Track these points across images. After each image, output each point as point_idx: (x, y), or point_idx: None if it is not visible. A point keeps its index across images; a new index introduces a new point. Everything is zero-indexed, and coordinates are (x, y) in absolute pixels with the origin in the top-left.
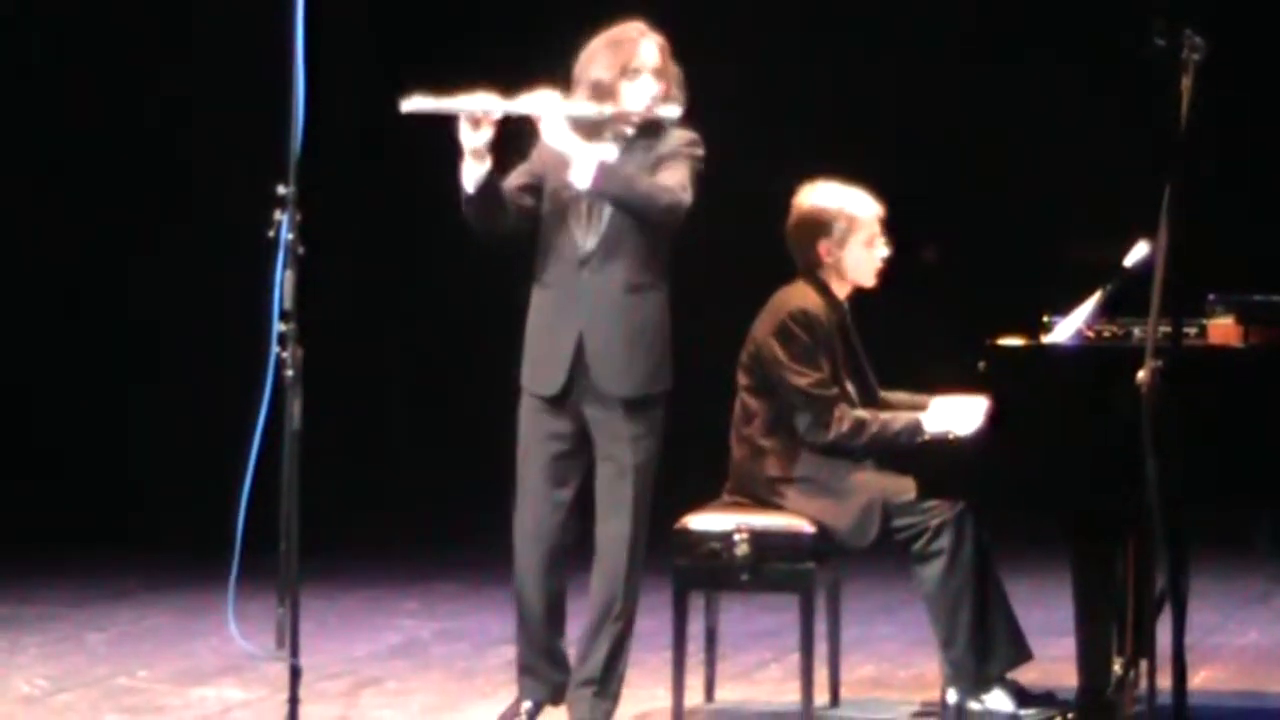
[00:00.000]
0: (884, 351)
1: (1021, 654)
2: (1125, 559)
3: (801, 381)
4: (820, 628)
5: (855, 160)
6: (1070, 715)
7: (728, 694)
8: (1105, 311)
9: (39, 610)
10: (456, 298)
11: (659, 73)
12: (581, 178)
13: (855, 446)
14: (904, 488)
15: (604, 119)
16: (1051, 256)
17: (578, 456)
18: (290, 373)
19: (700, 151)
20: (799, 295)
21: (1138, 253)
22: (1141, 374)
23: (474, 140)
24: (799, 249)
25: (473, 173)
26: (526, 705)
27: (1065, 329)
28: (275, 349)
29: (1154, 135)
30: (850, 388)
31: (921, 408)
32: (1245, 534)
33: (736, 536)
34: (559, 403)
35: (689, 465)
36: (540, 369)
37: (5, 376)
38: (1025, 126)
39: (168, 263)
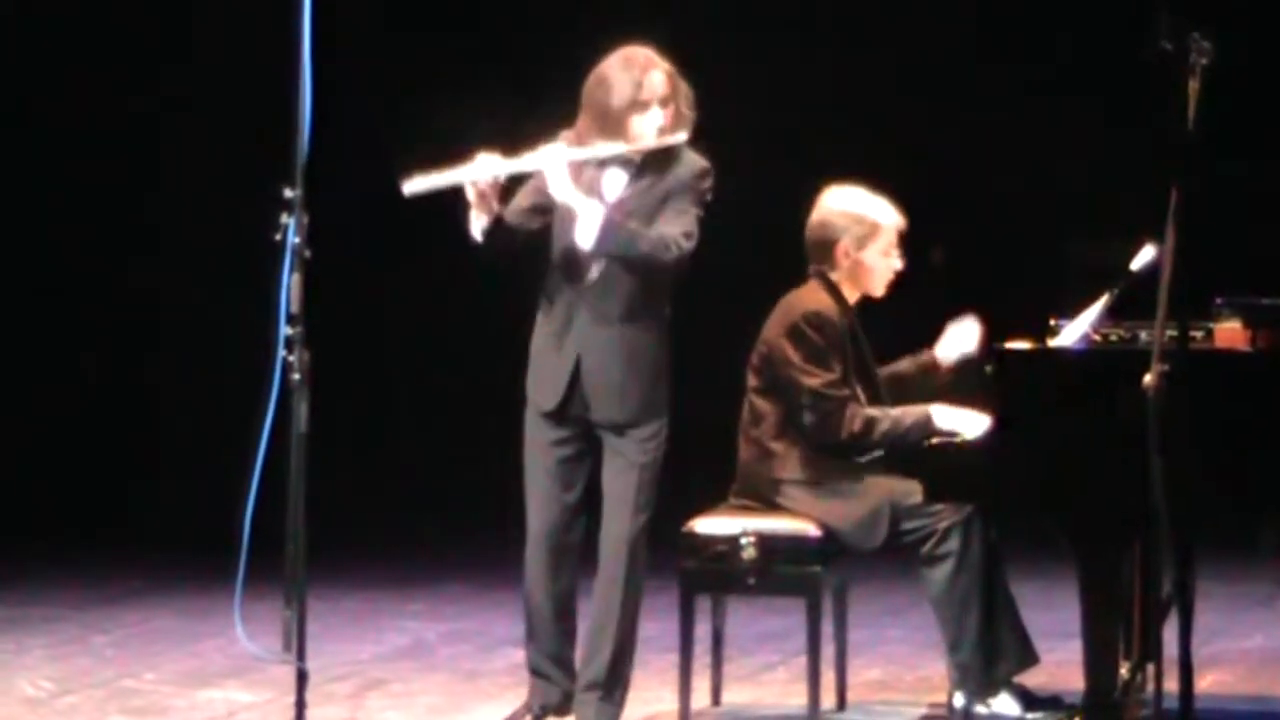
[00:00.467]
0: (889, 354)
1: (1029, 657)
2: (1132, 562)
3: (814, 382)
4: (827, 631)
5: (862, 163)
6: (1077, 719)
7: (734, 697)
8: (1112, 315)
9: (45, 612)
10: (463, 300)
11: (666, 101)
12: (586, 238)
13: (868, 444)
14: (912, 490)
15: (601, 159)
16: (1058, 260)
17: (583, 459)
18: (297, 376)
19: (708, 184)
20: (811, 297)
21: (1144, 256)
22: (1148, 377)
23: (479, 200)
24: (816, 248)
25: (479, 224)
26: (534, 709)
27: (1072, 332)
28: (282, 352)
29: (1160, 139)
30: (859, 390)
31: (927, 365)
32: (1252, 537)
33: (743, 539)
34: (559, 415)
35: (695, 468)
36: (542, 385)
37: (12, 376)
38: (1031, 129)
39: (175, 264)
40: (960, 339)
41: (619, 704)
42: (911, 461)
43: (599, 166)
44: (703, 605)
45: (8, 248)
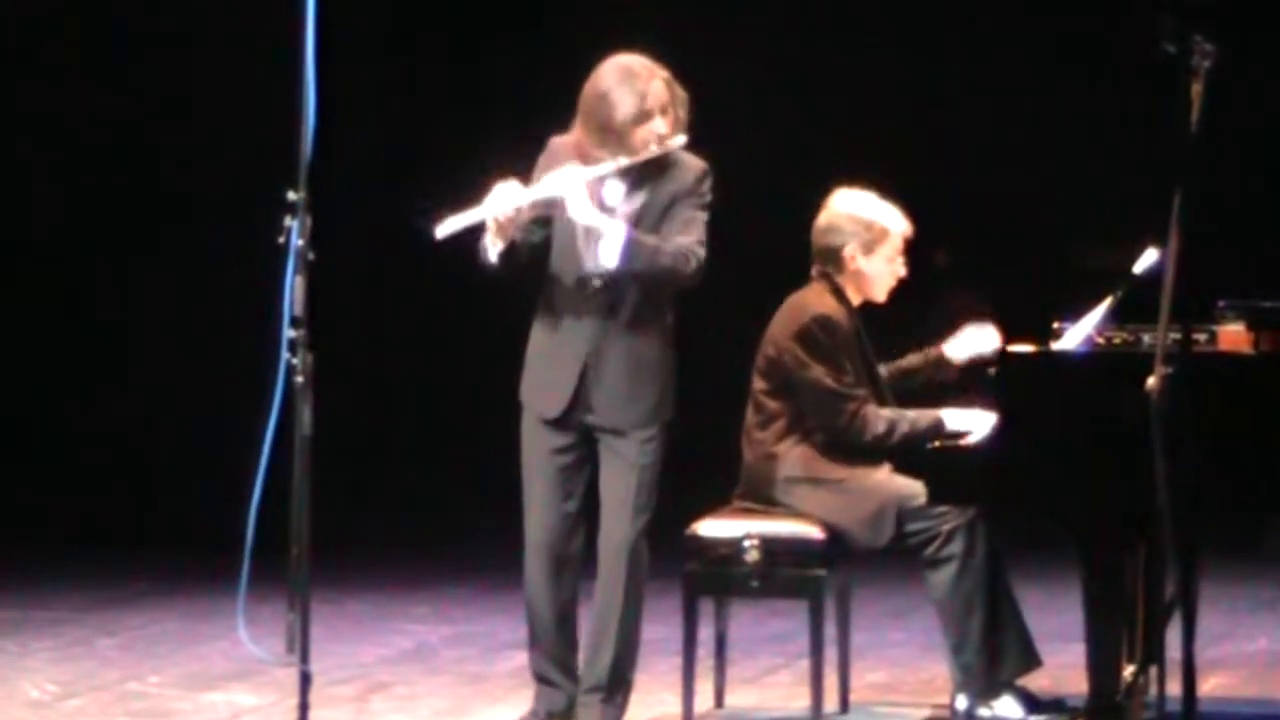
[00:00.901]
0: (894, 355)
1: (1031, 660)
2: (1135, 565)
3: (832, 382)
4: (830, 633)
5: (865, 165)
6: None
7: (737, 700)
8: (1115, 318)
9: (49, 615)
10: (468, 303)
11: (666, 109)
12: (609, 256)
13: (888, 445)
14: (916, 491)
15: (616, 171)
16: (1061, 263)
17: (582, 466)
18: (300, 378)
19: (708, 185)
20: (817, 299)
21: (1147, 259)
22: (1151, 380)
23: (498, 235)
24: (822, 251)
25: (496, 248)
26: (539, 714)
27: (1075, 335)
28: (285, 354)
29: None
30: (868, 392)
31: (935, 361)
32: (1255, 540)
33: (746, 542)
34: (560, 422)
35: (698, 471)
36: (542, 393)
37: (16, 379)
38: (1035, 132)
39: (179, 266)
40: (976, 341)
41: (621, 706)
42: (915, 463)
43: (599, 179)
44: (706, 608)
45: (12, 250)
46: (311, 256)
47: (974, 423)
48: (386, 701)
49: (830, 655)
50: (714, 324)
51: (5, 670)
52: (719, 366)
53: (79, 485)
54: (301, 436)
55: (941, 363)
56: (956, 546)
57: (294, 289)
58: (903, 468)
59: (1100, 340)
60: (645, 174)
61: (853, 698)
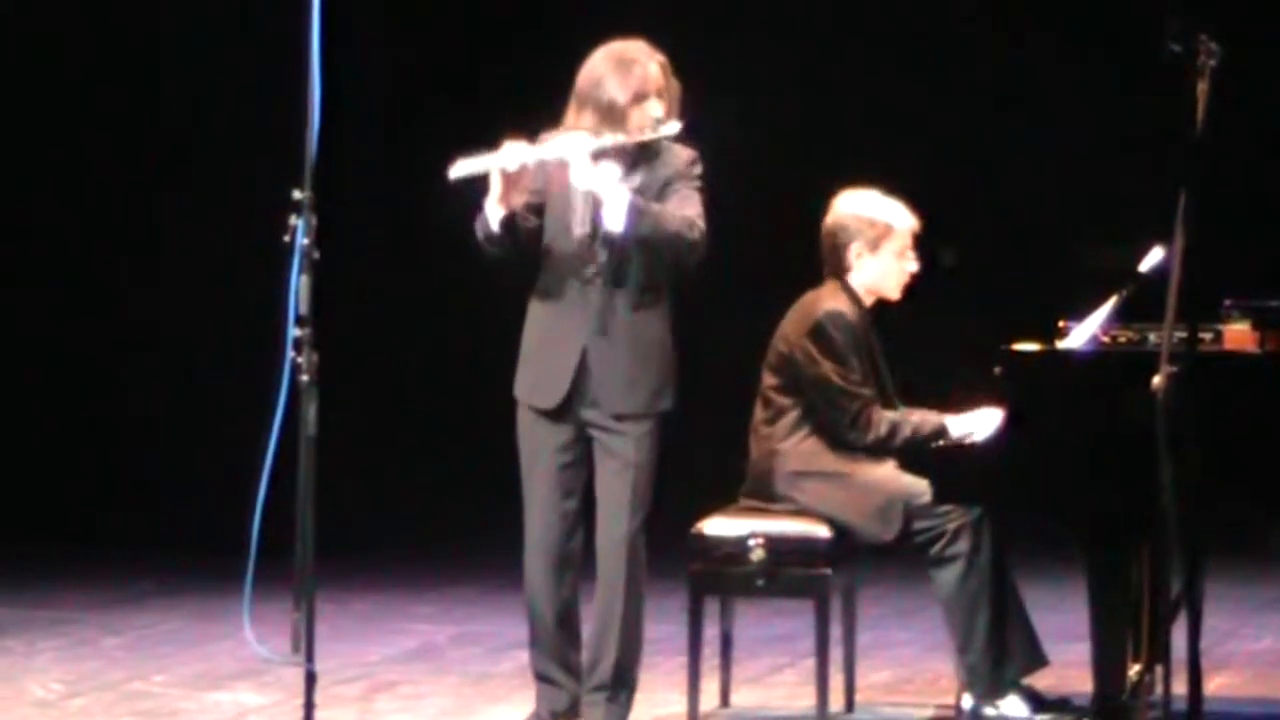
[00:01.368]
0: (900, 356)
1: (1037, 659)
2: (1140, 564)
3: (839, 380)
4: (835, 633)
5: (871, 165)
6: None
7: (743, 699)
8: (1121, 317)
9: (55, 614)
10: (473, 301)
11: (662, 93)
12: (614, 220)
13: (891, 448)
14: (923, 489)
15: (618, 147)
16: (1067, 261)
17: (582, 464)
18: (305, 377)
19: (699, 169)
20: (830, 297)
21: (1153, 258)
22: (1157, 379)
23: (502, 188)
24: (831, 251)
25: (498, 214)
26: (542, 715)
27: (1081, 334)
28: (291, 354)
29: (1170, 140)
30: (874, 393)
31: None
32: (1261, 539)
33: (751, 541)
34: (558, 414)
35: (703, 469)
36: (540, 382)
37: (22, 379)
38: (1041, 130)
39: (184, 265)
40: (981, 424)
41: (626, 705)
42: (920, 462)
43: (601, 150)
44: (711, 607)
45: (17, 250)
46: (316, 255)
47: (979, 427)
48: (391, 701)
49: (835, 655)
50: (721, 322)
51: (11, 669)
52: (726, 365)
53: (83, 485)
54: (306, 436)
55: (941, 432)
56: (962, 545)
57: (299, 288)
58: (908, 466)
59: (1106, 339)
60: (639, 158)
61: (858, 697)
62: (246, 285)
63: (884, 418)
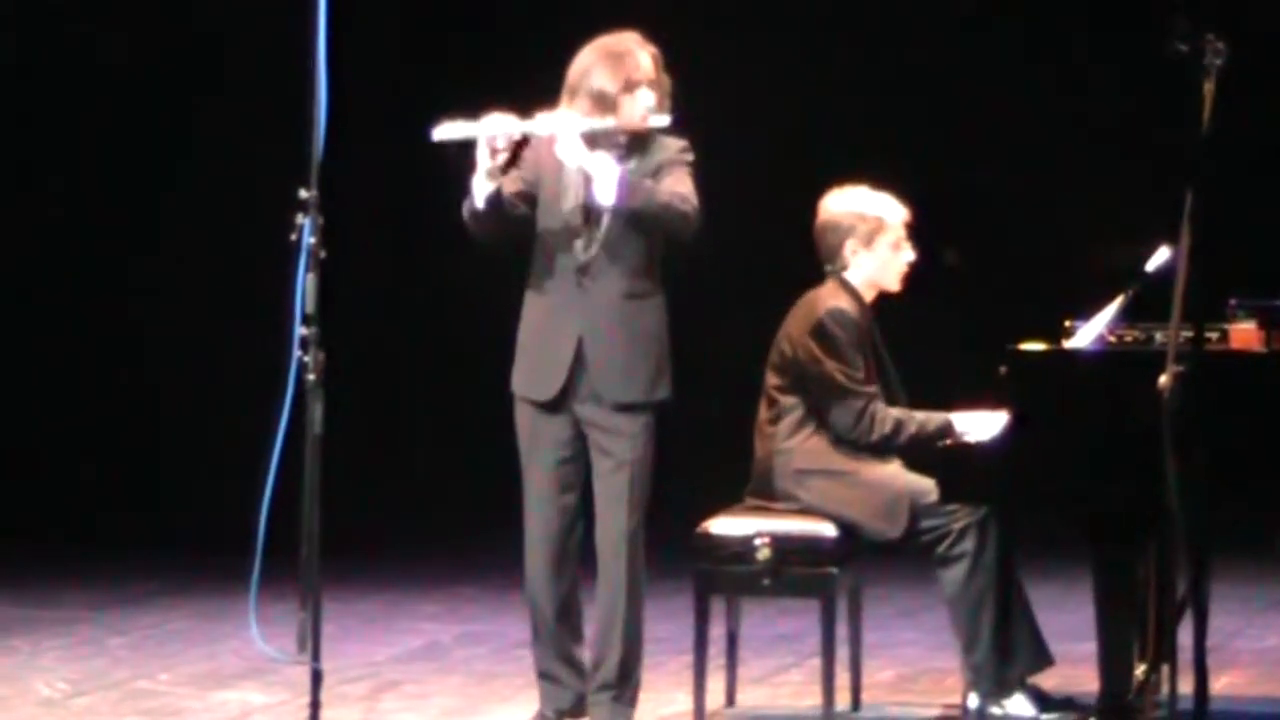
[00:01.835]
0: (905, 355)
1: (1043, 659)
2: (1147, 564)
3: (843, 378)
4: (841, 632)
5: (876, 164)
6: None
7: (748, 698)
8: (1127, 316)
9: (60, 614)
10: (479, 301)
11: (654, 84)
12: (605, 194)
13: (895, 445)
14: (929, 488)
15: (609, 131)
16: (1073, 261)
17: (580, 460)
18: (312, 376)
19: (692, 156)
20: (831, 296)
21: (1159, 257)
22: (1163, 379)
23: (490, 161)
24: (826, 251)
25: (484, 189)
26: (547, 714)
27: (1087, 334)
28: (297, 353)
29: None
30: (877, 390)
31: (941, 426)
32: (1267, 538)
33: (758, 541)
34: (555, 407)
35: (709, 469)
36: (536, 374)
37: (28, 378)
38: (1047, 130)
39: (190, 264)
40: (984, 426)
41: (632, 702)
42: (926, 461)
43: (591, 132)
44: (717, 607)
45: (25, 249)
46: (323, 254)
47: (983, 426)
48: (397, 700)
49: (841, 654)
50: (725, 321)
51: (17, 669)
52: (731, 364)
53: (88, 485)
54: (312, 435)
55: (946, 428)
56: (968, 544)
57: (306, 287)
58: (914, 465)
59: (1112, 339)
60: (631, 148)
61: (864, 696)
62: (253, 284)
63: (889, 415)
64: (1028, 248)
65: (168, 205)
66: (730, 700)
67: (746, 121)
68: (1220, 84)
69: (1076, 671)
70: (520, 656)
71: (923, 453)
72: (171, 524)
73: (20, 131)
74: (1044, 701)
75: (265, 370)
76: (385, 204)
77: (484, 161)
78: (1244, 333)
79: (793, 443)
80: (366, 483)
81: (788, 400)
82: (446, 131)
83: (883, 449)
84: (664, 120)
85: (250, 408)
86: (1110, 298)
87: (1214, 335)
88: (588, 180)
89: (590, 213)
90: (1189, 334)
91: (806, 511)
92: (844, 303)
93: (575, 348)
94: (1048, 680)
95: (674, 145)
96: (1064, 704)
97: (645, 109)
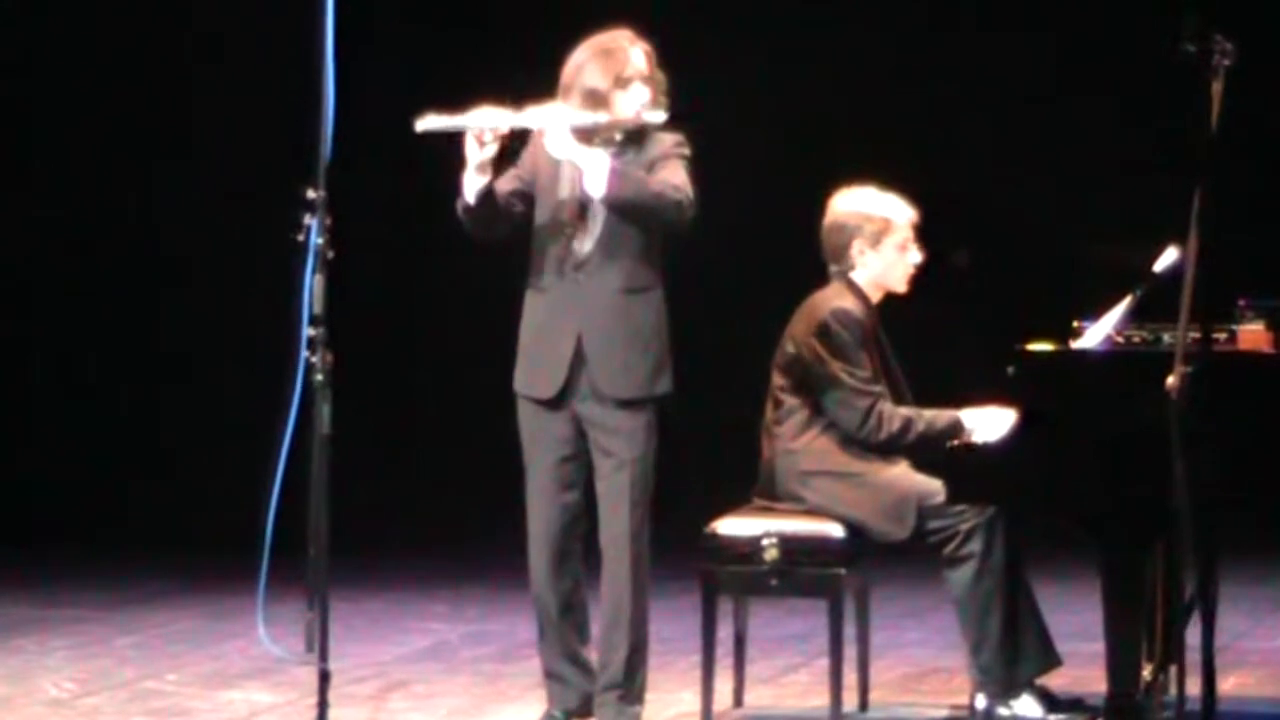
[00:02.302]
0: (913, 356)
1: (1051, 659)
2: (1154, 564)
3: (849, 379)
4: (849, 632)
5: (884, 166)
6: None
7: (756, 698)
8: (1135, 317)
9: (67, 614)
10: (486, 301)
11: (647, 80)
12: (595, 186)
13: (904, 444)
14: (936, 489)
15: (600, 127)
16: (1081, 262)
17: (582, 458)
18: (319, 377)
19: (688, 151)
20: (836, 296)
21: (1167, 258)
22: (1171, 379)
23: (479, 154)
24: (833, 251)
25: (474, 184)
26: (555, 714)
27: (1095, 334)
28: (304, 353)
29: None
30: (884, 389)
31: (951, 424)
32: (1275, 539)
33: (765, 541)
34: (555, 405)
35: (717, 469)
36: (537, 372)
37: (37, 379)
38: (1055, 130)
39: (199, 265)
40: (993, 424)
41: (638, 700)
42: (933, 462)
43: (581, 127)
44: (725, 607)
45: (35, 251)
46: (331, 255)
47: (992, 424)
48: (404, 700)
49: (849, 654)
50: (732, 321)
51: (25, 669)
52: (737, 364)
53: (97, 485)
54: (320, 435)
55: (955, 426)
56: (976, 545)
57: (313, 287)
58: (921, 466)
59: (1120, 339)
60: (626, 145)
61: (872, 696)
62: (261, 285)
63: (896, 414)
64: (1036, 248)
65: (175, 206)
66: (738, 700)
67: (759, 119)
68: (1228, 84)
69: (1084, 672)
70: (527, 656)
71: (930, 454)
72: (179, 524)
73: (20, 132)
74: (1051, 702)
75: (273, 371)
76: (394, 204)
77: (473, 155)
78: (1252, 334)
79: (799, 443)
80: (374, 483)
81: (794, 401)
82: (430, 122)
83: (891, 448)
84: (659, 116)
85: (259, 408)
86: (1118, 298)
87: (1222, 336)
88: (580, 174)
89: (586, 208)
90: (1197, 335)
91: (813, 512)
92: (849, 303)
93: (574, 344)
94: (1055, 680)
95: (669, 139)
96: (1071, 704)
97: (639, 105)
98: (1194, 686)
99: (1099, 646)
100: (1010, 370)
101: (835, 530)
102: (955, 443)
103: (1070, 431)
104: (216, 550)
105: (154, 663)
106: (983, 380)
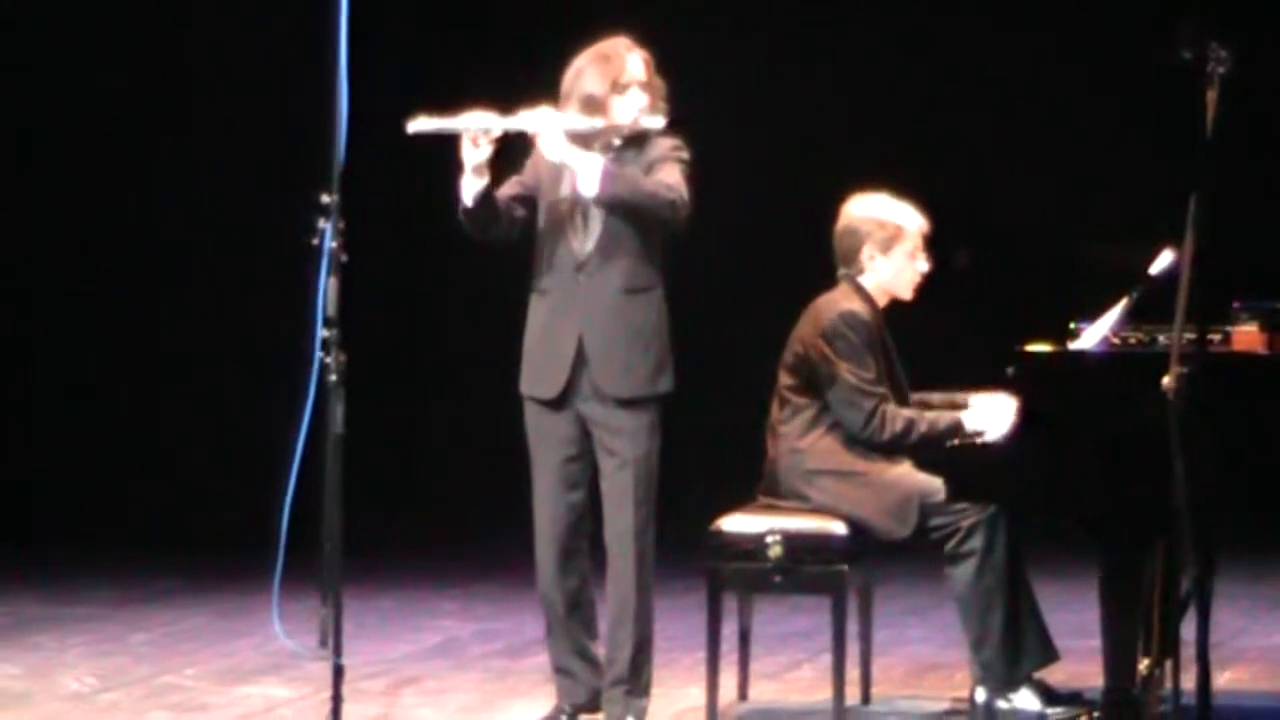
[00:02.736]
0: (913, 357)
1: (1050, 654)
2: (1152, 561)
3: (854, 380)
4: (852, 629)
5: (884, 166)
6: (1096, 715)
7: (761, 693)
8: (1131, 318)
9: (86, 611)
10: (495, 303)
11: (645, 86)
12: (588, 186)
13: (906, 445)
14: (938, 487)
15: (596, 132)
16: (1079, 264)
17: (586, 458)
18: (333, 377)
19: (687, 155)
20: (844, 299)
21: (1163, 260)
22: (1167, 380)
23: (474, 157)
24: (844, 255)
25: (471, 187)
26: (565, 709)
27: (1092, 335)
28: (319, 354)
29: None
30: (888, 391)
31: (959, 406)
32: (1272, 538)
33: (769, 539)
34: (559, 406)
35: (722, 467)
36: (540, 373)
37: (49, 378)
38: (1053, 133)
39: (213, 267)
40: (997, 415)
41: (645, 694)
42: (935, 461)
43: (575, 131)
44: (730, 604)
45: (48, 252)
46: (344, 258)
47: (994, 419)
48: (416, 695)
49: (852, 650)
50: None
51: (45, 665)
52: (743, 364)
53: (114, 484)
54: (334, 435)
55: (956, 427)
56: (977, 542)
57: (327, 289)
58: (923, 465)
59: (1117, 340)
60: (625, 149)
61: (874, 691)
62: (262, 284)
63: (899, 414)
64: (1034, 249)
65: (189, 207)
66: (743, 695)
67: (759, 119)
68: (1224, 90)
69: (1082, 667)
70: (537, 653)
71: (932, 453)
72: (194, 522)
73: (23, 131)
74: (1050, 696)
75: (287, 371)
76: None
77: (469, 157)
78: (1247, 335)
79: (805, 443)
80: (386, 481)
81: (800, 401)
82: (422, 124)
83: (894, 448)
84: (657, 122)
85: (273, 408)
86: (1115, 300)
87: (1217, 337)
88: (564, 176)
89: (585, 209)
90: (1192, 336)
91: (817, 510)
92: (856, 306)
93: (576, 345)
94: (1054, 675)
95: (666, 143)
96: (1069, 698)
97: (636, 110)
98: (1189, 681)
99: (1096, 643)
100: (1010, 371)
101: (839, 528)
102: (956, 441)
103: (1069, 432)
104: (220, 550)
105: (168, 659)
106: (983, 380)
